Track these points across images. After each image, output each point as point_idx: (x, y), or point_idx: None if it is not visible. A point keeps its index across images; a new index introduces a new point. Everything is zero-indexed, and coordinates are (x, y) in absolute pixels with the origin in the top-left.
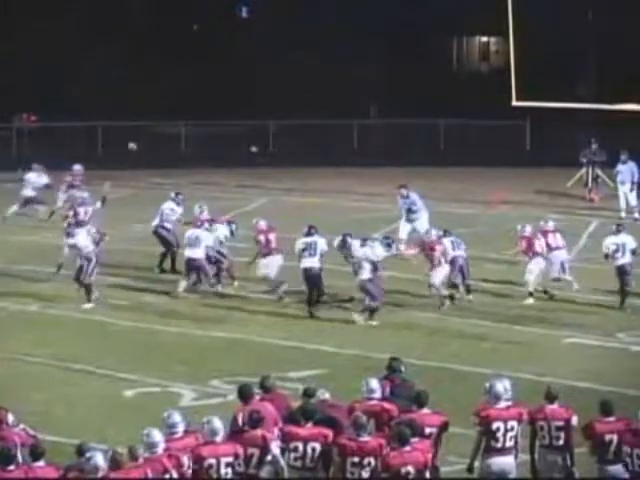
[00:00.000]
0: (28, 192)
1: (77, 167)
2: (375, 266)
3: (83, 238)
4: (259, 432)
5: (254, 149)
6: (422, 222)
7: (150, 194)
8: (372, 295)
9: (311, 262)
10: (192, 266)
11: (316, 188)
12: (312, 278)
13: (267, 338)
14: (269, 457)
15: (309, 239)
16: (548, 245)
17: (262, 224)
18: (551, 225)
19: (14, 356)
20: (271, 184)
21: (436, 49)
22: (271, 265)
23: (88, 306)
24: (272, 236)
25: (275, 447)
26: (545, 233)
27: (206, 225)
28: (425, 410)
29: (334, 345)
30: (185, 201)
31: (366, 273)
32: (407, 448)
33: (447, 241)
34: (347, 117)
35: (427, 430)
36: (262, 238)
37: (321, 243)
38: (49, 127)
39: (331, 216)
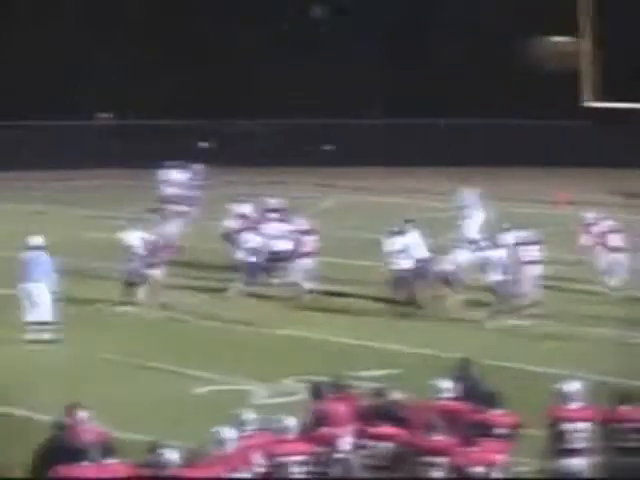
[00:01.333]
0: (169, 190)
1: (197, 167)
2: (505, 267)
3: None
4: (327, 430)
5: (326, 148)
6: (473, 222)
7: (222, 193)
8: (501, 296)
9: (404, 263)
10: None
11: (387, 187)
12: (404, 279)
13: (340, 337)
14: (338, 455)
15: (403, 238)
16: (606, 244)
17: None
18: (607, 224)
19: (86, 353)
20: (343, 183)
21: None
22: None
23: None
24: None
25: (344, 445)
26: (603, 233)
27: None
28: (497, 410)
29: (406, 345)
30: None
31: (495, 274)
32: (476, 448)
33: (509, 237)
34: (413, 117)
35: (498, 430)
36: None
37: (414, 242)
38: (124, 125)
39: (403, 215)
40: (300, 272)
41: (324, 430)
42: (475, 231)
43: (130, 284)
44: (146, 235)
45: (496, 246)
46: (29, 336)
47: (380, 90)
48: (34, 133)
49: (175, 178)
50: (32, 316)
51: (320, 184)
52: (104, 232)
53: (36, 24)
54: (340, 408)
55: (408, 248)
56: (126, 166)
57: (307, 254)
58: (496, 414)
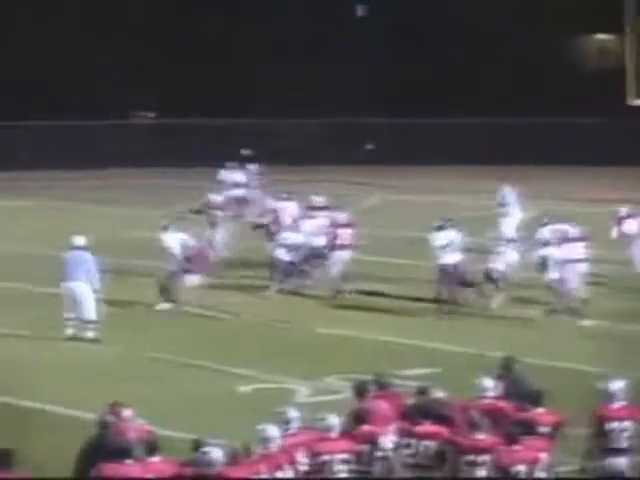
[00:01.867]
0: (234, 192)
1: (252, 166)
2: (562, 265)
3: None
4: (369, 429)
5: (369, 147)
6: (511, 220)
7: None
8: (559, 294)
9: (450, 258)
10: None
11: (427, 186)
12: (450, 275)
13: (382, 336)
14: (379, 453)
15: (448, 234)
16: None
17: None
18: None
19: (130, 352)
20: (385, 182)
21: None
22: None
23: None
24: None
25: (385, 442)
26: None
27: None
28: (540, 409)
29: (449, 343)
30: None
31: (554, 272)
32: (517, 447)
33: (546, 231)
34: (457, 116)
35: (541, 429)
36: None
37: (459, 238)
38: (168, 124)
39: (441, 214)
40: (337, 265)
41: (366, 428)
42: (513, 229)
43: (167, 285)
44: (186, 238)
45: (546, 244)
46: (69, 333)
47: (421, 90)
48: (70, 132)
49: (233, 178)
50: (74, 315)
51: (363, 182)
52: (146, 231)
53: (80, 25)
54: (383, 406)
55: (453, 245)
56: (166, 165)
57: (344, 247)
58: (539, 413)
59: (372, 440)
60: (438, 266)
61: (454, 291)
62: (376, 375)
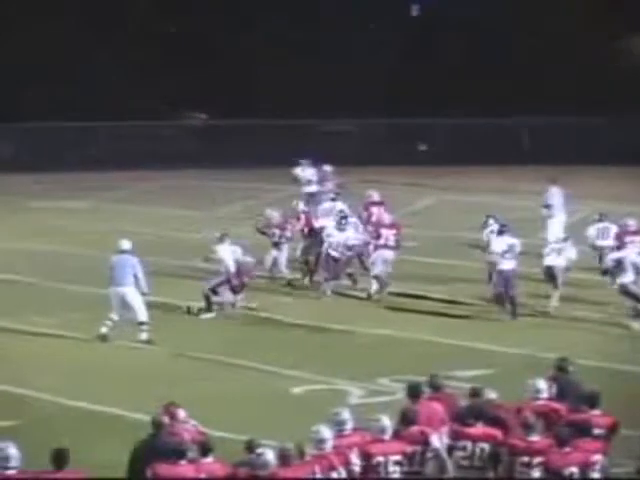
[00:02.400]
0: (308, 188)
1: (327, 167)
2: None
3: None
4: (421, 430)
5: (423, 147)
6: (556, 221)
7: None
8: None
9: (511, 264)
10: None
11: (480, 186)
12: (508, 280)
13: (435, 337)
14: (432, 454)
15: (509, 239)
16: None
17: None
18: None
19: (182, 352)
20: (438, 182)
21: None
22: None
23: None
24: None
25: (436, 441)
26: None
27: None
28: (595, 411)
29: (502, 345)
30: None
31: (628, 276)
32: (568, 449)
33: (594, 228)
34: (507, 117)
35: (596, 431)
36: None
37: (518, 244)
38: (218, 125)
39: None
40: (378, 265)
41: (418, 429)
42: (561, 230)
43: (209, 296)
44: (239, 252)
45: (620, 246)
46: (103, 331)
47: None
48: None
49: (306, 176)
50: (117, 317)
51: (416, 183)
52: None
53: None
54: (436, 408)
55: (513, 250)
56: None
57: (387, 247)
58: (593, 414)
59: (423, 440)
60: (497, 271)
61: (513, 294)
62: (430, 377)
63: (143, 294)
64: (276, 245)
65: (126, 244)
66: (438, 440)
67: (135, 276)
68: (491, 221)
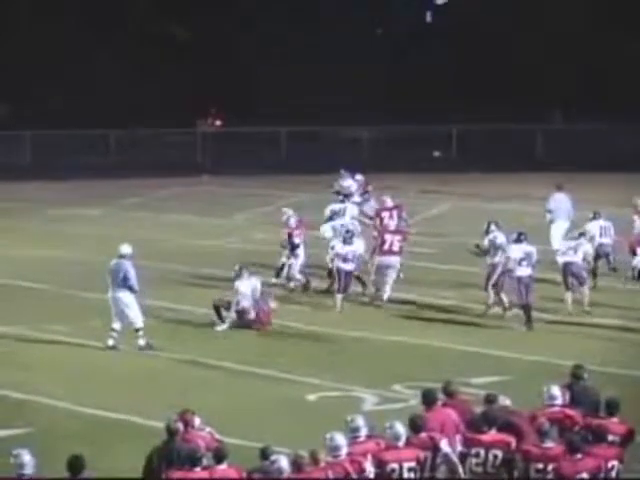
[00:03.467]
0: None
1: (359, 176)
2: None
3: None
4: (426, 435)
5: (437, 154)
6: (557, 226)
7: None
8: None
9: (527, 271)
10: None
11: (494, 193)
12: (527, 287)
13: (449, 343)
14: (440, 458)
15: (526, 247)
16: None
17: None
18: None
19: (197, 359)
20: (453, 189)
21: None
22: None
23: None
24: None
25: (445, 446)
26: None
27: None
28: (609, 418)
29: (516, 352)
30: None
31: None
32: (579, 456)
33: (595, 225)
34: (527, 122)
35: (610, 437)
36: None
37: (534, 252)
38: (234, 132)
39: (507, 222)
40: (380, 270)
41: (431, 435)
42: (562, 236)
43: (220, 308)
44: (258, 287)
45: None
46: (110, 344)
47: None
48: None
49: (343, 185)
50: (119, 325)
51: (431, 190)
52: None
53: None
54: (450, 414)
55: (530, 258)
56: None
57: (392, 253)
58: (608, 421)
59: (433, 446)
60: (515, 277)
61: (529, 301)
62: (444, 383)
63: (138, 299)
64: (292, 250)
65: (125, 248)
66: (447, 445)
67: (126, 281)
68: (493, 227)
